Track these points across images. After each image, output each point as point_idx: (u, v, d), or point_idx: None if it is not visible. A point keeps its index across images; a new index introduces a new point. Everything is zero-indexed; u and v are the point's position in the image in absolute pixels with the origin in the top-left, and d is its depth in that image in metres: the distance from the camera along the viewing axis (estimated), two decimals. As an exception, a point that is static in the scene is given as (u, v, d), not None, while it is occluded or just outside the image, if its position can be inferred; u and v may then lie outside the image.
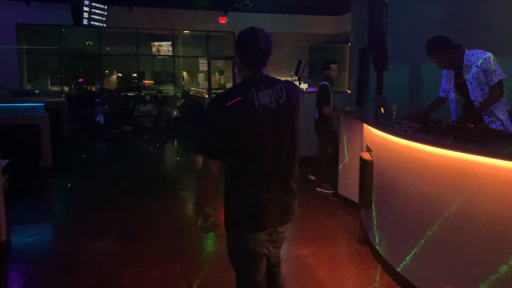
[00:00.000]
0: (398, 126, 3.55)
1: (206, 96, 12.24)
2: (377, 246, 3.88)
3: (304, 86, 8.04)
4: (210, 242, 4.51)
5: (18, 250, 4.18)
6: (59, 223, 5.12)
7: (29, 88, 13.51)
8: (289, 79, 9.43)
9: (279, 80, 2.14)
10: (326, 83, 5.84)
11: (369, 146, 4.28)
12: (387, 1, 4.25)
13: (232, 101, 1.95)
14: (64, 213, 5.55)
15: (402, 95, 5.68)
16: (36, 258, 4.04)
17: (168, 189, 6.33)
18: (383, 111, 3.94)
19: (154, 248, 4.19)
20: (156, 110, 12.43)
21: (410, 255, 3.23)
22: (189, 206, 5.47)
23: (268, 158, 2.03)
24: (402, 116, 4.02)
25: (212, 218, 2.25)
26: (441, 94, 4.05)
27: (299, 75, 5.93)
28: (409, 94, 6.13)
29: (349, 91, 8.16)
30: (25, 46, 13.67)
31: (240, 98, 1.97)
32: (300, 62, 5.94)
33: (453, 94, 3.91)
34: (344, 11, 13.34)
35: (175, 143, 10.88)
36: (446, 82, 3.97)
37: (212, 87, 15.41)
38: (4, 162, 4.83)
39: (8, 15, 12.31)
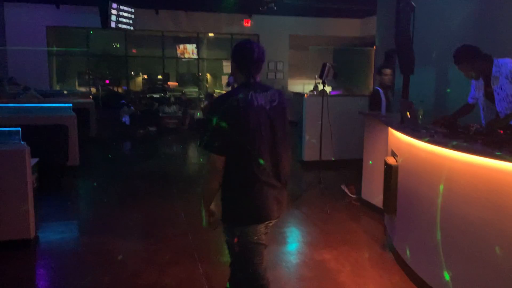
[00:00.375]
0: (424, 130, 3.49)
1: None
2: (401, 253, 3.82)
3: (328, 89, 7.99)
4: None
5: (45, 246, 4.30)
6: (85, 221, 5.23)
7: (57, 88, 13.85)
8: (313, 81, 9.44)
9: (271, 86, 2.42)
10: (378, 88, 5.80)
11: (394, 151, 4.23)
12: (414, 5, 4.19)
13: (236, 99, 2.17)
14: (90, 211, 5.66)
15: (429, 100, 5.59)
16: (62, 255, 4.14)
17: (190, 190, 6.38)
18: (409, 116, 3.88)
19: (176, 248, 4.23)
20: (180, 112, 12.57)
21: (437, 264, 3.17)
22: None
23: (267, 154, 2.24)
24: (429, 121, 3.95)
25: (215, 215, 2.36)
26: (470, 101, 3.97)
27: (323, 78, 5.90)
28: (435, 98, 6.02)
29: (374, 95, 8.06)
30: (55, 48, 14.04)
31: (242, 96, 2.19)
32: (324, 65, 5.91)
33: (483, 102, 3.83)
34: (370, 14, 13.20)
35: (198, 144, 10.96)
36: (475, 90, 3.89)
37: (235, 89, 15.53)
38: (34, 160, 4.97)
39: (39, 18, 12.68)
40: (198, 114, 12.66)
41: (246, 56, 2.27)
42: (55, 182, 6.37)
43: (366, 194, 5.58)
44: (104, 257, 4.01)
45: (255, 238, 2.27)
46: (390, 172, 4.10)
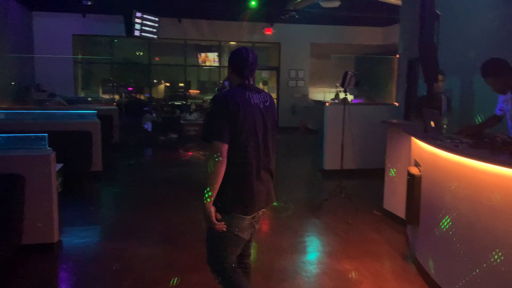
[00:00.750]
0: (449, 140, 3.42)
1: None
2: (424, 264, 3.74)
3: (350, 97, 7.95)
4: (251, 252, 4.51)
5: (68, 251, 4.36)
6: (107, 226, 5.30)
7: (82, 95, 14.15)
8: (334, 90, 9.44)
9: (262, 89, 2.69)
10: (441, 94, 5.64)
11: (417, 161, 4.16)
12: (439, 13, 4.14)
13: (235, 96, 2.39)
14: (112, 216, 5.74)
15: (453, 109, 5.49)
16: (84, 259, 4.20)
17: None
18: (433, 125, 3.82)
19: (196, 255, 4.23)
20: (201, 119, 12.67)
21: (463, 279, 3.08)
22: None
23: (260, 149, 2.44)
24: (453, 131, 3.88)
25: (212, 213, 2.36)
26: (498, 112, 3.87)
27: (345, 86, 5.86)
28: (460, 107, 5.91)
29: (397, 104, 7.97)
30: (80, 56, 14.37)
31: (240, 95, 2.42)
32: (346, 73, 5.88)
33: (511, 113, 3.73)
34: (392, 22, 13.10)
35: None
36: (503, 102, 3.80)
37: (256, 97, 15.56)
38: (59, 166, 5.07)
39: (65, 27, 13.01)
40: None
41: (242, 60, 2.49)
42: (79, 187, 6.49)
43: (388, 205, 5.49)
44: (125, 263, 4.04)
45: (236, 229, 2.43)
46: (413, 182, 4.04)
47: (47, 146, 4.32)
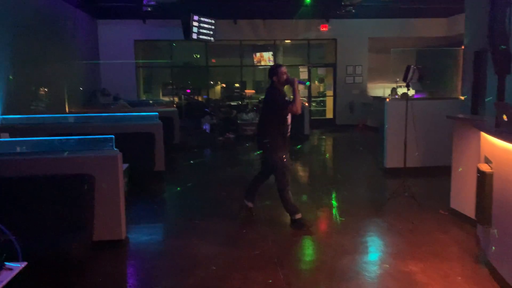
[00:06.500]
0: (524, 135, 3.19)
1: (306, 104, 12.25)
2: (498, 268, 3.52)
3: (411, 92, 7.64)
4: (312, 251, 4.47)
5: (134, 248, 4.55)
6: (171, 224, 5.46)
7: (144, 98, 14.72)
8: (394, 85, 9.13)
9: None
10: None
11: (488, 157, 3.92)
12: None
13: None
14: (175, 215, 5.92)
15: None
16: (150, 256, 4.36)
17: (269, 196, 6.41)
18: (505, 119, 3.58)
19: (257, 254, 4.26)
20: (257, 119, 12.73)
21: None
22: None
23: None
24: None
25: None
26: None
27: (407, 81, 5.65)
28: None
29: (463, 97, 7.57)
30: (141, 61, 14.95)
31: None
32: (408, 67, 5.66)
33: None
34: (456, 12, 12.46)
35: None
36: None
37: (312, 95, 15.41)
38: (124, 166, 5.29)
39: (127, 33, 13.60)
40: (276, 120, 12.73)
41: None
42: (143, 186, 6.74)
43: (455, 204, 5.22)
44: (189, 260, 4.15)
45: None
46: (484, 180, 3.80)
47: (114, 147, 4.52)
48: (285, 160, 4.81)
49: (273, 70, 4.96)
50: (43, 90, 9.12)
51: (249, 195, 5.29)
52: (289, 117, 4.86)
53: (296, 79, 4.79)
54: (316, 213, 5.60)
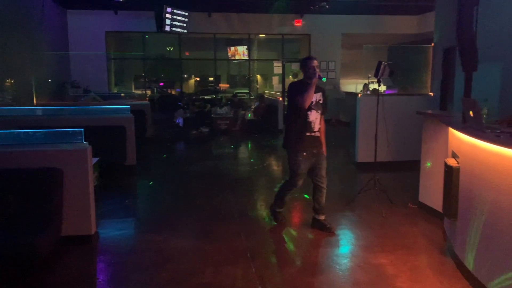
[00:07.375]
0: (489, 131, 3.29)
1: (280, 99, 12.28)
2: (463, 259, 3.63)
3: (382, 88, 7.78)
4: (285, 245, 4.49)
5: (105, 243, 4.47)
6: (142, 219, 5.39)
7: (115, 91, 14.45)
8: (366, 81, 9.23)
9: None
10: None
11: (455, 152, 4.03)
12: (478, -3, 3.97)
13: None
14: (147, 209, 5.84)
15: (493, 98, 5.28)
16: (121, 251, 4.28)
17: (242, 190, 6.43)
18: (472, 115, 3.68)
19: (229, 248, 4.26)
20: (231, 113, 12.70)
21: (503, 273, 2.97)
22: (262, 208, 5.50)
23: None
24: (494, 120, 3.73)
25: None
26: None
27: (378, 77, 5.73)
28: (501, 96, 5.67)
29: (432, 94, 7.76)
30: (113, 52, 14.66)
31: None
32: (379, 63, 5.75)
33: None
34: (427, 10, 12.72)
35: (249, 145, 11.04)
36: None
37: (285, 90, 15.46)
38: (94, 160, 5.19)
39: (99, 24, 13.31)
40: (249, 115, 12.74)
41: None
42: (114, 181, 6.63)
43: (424, 197, 5.36)
44: (160, 255, 4.11)
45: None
46: (451, 174, 3.91)
47: (83, 140, 4.42)
48: (299, 160, 4.54)
49: (301, 62, 4.63)
50: (9, 82, 8.82)
51: (315, 208, 4.76)
52: (312, 113, 4.54)
53: (318, 76, 4.43)
54: (288, 206, 5.64)
